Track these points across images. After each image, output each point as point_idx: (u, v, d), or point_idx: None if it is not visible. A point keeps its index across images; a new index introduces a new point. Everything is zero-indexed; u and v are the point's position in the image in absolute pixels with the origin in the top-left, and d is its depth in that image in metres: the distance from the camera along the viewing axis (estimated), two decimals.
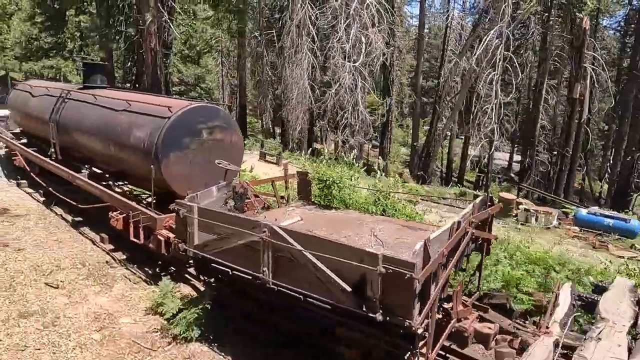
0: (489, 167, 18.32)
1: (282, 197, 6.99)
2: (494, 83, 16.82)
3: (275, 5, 25.47)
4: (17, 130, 13.42)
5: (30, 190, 11.28)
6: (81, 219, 9.00)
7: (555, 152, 27.88)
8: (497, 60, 16.92)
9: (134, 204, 6.71)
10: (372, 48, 22.52)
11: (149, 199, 8.53)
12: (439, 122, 30.28)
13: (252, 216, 6.68)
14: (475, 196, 13.01)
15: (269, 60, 26.30)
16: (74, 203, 8.78)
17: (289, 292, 4.17)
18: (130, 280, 6.79)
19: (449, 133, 34.50)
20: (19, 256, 7.22)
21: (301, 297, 4.09)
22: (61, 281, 6.55)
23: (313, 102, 25.53)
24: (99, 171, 9.84)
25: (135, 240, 6.51)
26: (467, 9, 34.66)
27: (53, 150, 9.75)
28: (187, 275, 6.88)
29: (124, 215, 6.95)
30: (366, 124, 23.75)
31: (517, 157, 35.57)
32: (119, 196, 7.06)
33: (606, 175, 32.11)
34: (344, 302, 3.79)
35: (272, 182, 6.79)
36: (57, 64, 39.88)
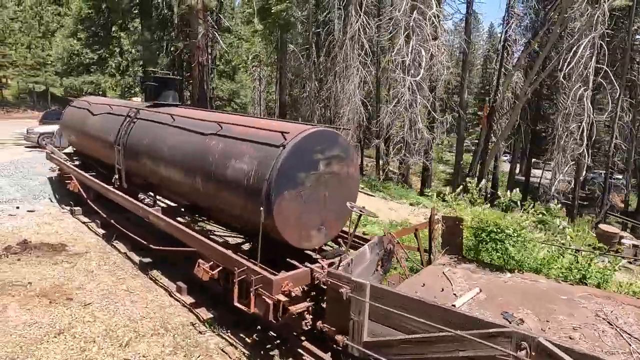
0: (576, 192, 16.28)
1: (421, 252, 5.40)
2: (584, 99, 14.90)
3: (326, 18, 24.29)
4: (70, 150, 12.38)
5: (85, 219, 10.03)
6: (150, 259, 7.60)
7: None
8: (589, 74, 15.01)
9: (240, 258, 5.21)
10: (432, 62, 20.99)
11: (231, 238, 7.12)
12: (489, 140, 28.39)
13: (397, 281, 5.09)
14: None
15: (317, 75, 25.01)
16: (144, 242, 7.39)
17: None
18: (229, 357, 5.25)
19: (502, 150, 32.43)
20: (87, 315, 5.81)
21: None
22: (144, 357, 5.07)
23: (364, 119, 24.07)
24: (171, 203, 8.54)
25: (241, 306, 4.99)
26: (522, 22, 32.80)
27: (117, 177, 8.46)
28: (301, 350, 5.31)
29: (220, 268, 5.48)
30: (425, 142, 22.08)
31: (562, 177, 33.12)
32: (217, 247, 5.58)
33: None
34: None
35: (416, 231, 5.19)
36: (98, 79, 39.97)
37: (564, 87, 15.61)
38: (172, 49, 22.30)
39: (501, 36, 30.03)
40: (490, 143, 27.44)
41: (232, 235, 7.45)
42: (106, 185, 8.41)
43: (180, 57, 25.26)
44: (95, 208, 9.28)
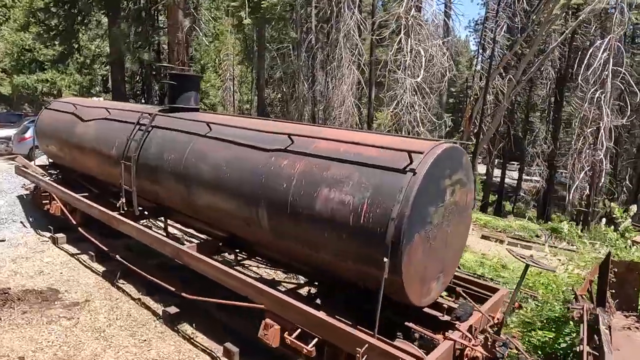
0: (591, 199, 15.75)
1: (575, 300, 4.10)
2: (602, 103, 14.30)
3: (318, 16, 22.78)
4: (43, 161, 10.29)
5: (73, 250, 8.08)
6: (177, 309, 5.87)
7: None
8: (606, 77, 14.44)
9: (357, 332, 3.67)
10: (432, 64, 20.03)
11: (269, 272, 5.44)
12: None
13: None
14: None
15: (308, 74, 23.44)
16: (171, 288, 5.66)
17: None
18: None
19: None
20: None
21: None
22: None
23: (359, 122, 22.82)
24: (176, 226, 6.86)
25: None
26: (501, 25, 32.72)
27: (123, 200, 6.65)
28: None
29: (314, 340, 3.93)
30: None
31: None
32: (313, 312, 3.99)
33: None
34: None
35: (590, 283, 3.88)
36: (53, 77, 36.47)
37: (582, 90, 14.99)
38: (154, 44, 20.05)
39: (480, 40, 29.68)
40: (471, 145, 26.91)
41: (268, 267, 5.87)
42: (111, 213, 6.56)
43: (158, 53, 23.01)
44: (89, 237, 7.41)
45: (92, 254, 7.61)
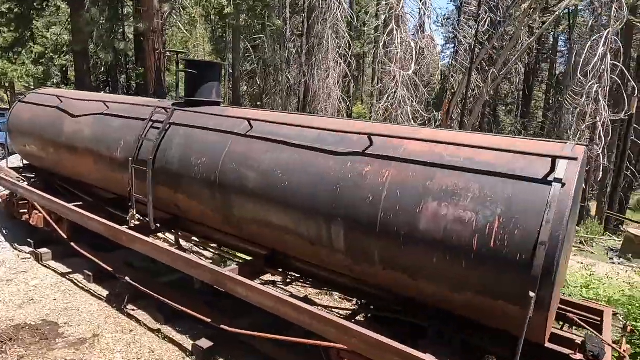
0: (587, 194, 15.79)
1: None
2: (601, 98, 14.24)
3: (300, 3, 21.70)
4: (16, 162, 8.93)
5: (63, 268, 6.87)
6: (210, 342, 4.90)
7: None
8: (603, 71, 14.37)
9: None
10: (423, 56, 19.53)
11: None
12: None
13: None
14: None
15: (295, 66, 22.39)
16: (206, 319, 4.70)
17: None
18: None
19: None
20: None
21: None
22: None
23: (345, 116, 22.04)
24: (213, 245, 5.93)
25: None
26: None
27: (134, 212, 5.58)
28: None
29: None
30: None
31: None
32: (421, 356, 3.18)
33: None
34: None
35: None
36: (4, 68, 33.52)
37: (580, 85, 14.88)
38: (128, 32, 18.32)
39: (456, 34, 29.57)
40: None
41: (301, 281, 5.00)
42: (120, 228, 5.47)
43: (126, 43, 21.26)
44: (85, 253, 6.28)
45: (89, 273, 6.43)
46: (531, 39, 25.67)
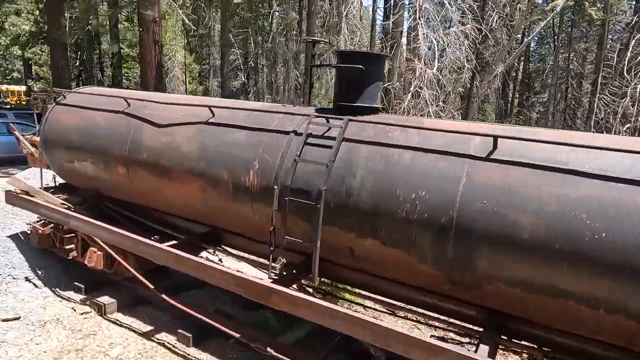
0: None
1: None
2: None
3: None
4: (48, 180, 7.03)
5: (139, 324, 5.21)
6: None
7: None
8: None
9: None
10: (446, 54, 18.52)
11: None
12: None
13: None
14: None
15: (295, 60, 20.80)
16: None
17: None
18: None
19: None
20: None
21: None
22: None
23: None
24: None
25: None
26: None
27: (284, 261, 4.06)
28: None
29: None
30: None
31: None
32: None
33: None
34: None
35: None
36: None
37: (626, 82, 14.36)
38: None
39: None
40: None
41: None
42: (268, 284, 3.93)
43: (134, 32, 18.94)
44: (178, 305, 4.68)
45: (187, 334, 4.82)
46: (529, 38, 25.40)
